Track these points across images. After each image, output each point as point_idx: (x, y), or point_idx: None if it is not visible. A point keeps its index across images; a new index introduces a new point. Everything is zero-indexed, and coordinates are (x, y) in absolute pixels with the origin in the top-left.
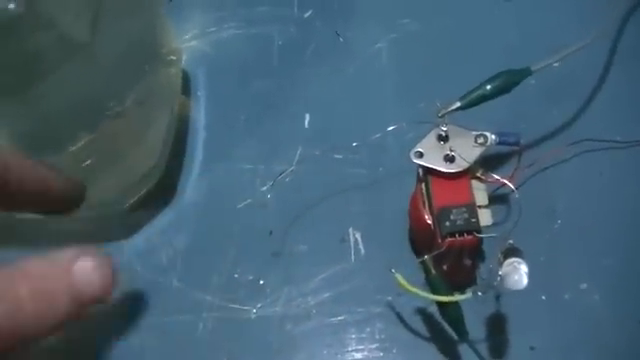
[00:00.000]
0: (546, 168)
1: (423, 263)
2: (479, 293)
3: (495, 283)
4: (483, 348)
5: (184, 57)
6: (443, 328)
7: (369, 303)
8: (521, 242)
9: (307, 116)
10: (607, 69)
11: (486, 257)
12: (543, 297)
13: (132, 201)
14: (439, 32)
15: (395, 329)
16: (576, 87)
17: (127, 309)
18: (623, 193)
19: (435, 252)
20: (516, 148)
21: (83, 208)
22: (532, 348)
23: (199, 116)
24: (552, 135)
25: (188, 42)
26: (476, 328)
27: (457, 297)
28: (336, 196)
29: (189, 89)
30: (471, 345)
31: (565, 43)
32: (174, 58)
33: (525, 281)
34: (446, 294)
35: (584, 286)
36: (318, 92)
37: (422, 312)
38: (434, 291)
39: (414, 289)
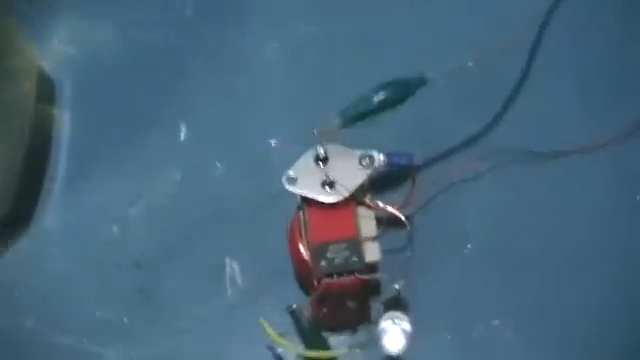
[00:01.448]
0: (455, 184)
1: (292, 313)
2: (357, 350)
3: (371, 341)
4: None
5: (49, 65)
6: None
7: (246, 344)
8: (425, 271)
9: (183, 129)
10: (525, 75)
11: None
12: (449, 337)
13: None
14: (339, 35)
15: None
16: (491, 93)
17: None
18: (542, 210)
19: (312, 297)
20: (409, 170)
21: None
22: None
23: (64, 129)
24: (462, 147)
25: (55, 48)
26: None
27: (331, 354)
28: (213, 222)
29: (53, 99)
30: None
31: (484, 46)
32: (23, 71)
33: (401, 344)
34: (320, 347)
35: (496, 322)
36: (198, 102)
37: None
38: (307, 344)
39: (283, 341)
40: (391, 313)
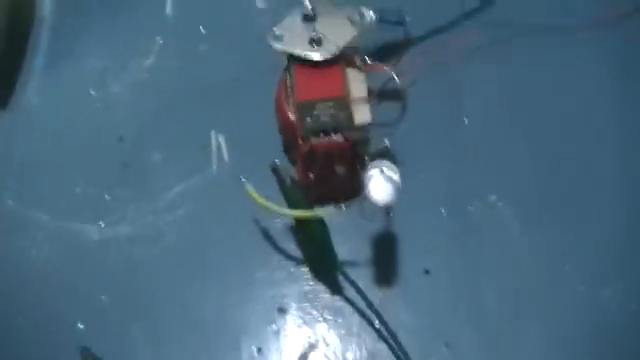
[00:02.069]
0: (452, 56)
1: (275, 170)
2: (342, 207)
3: (362, 194)
4: (367, 274)
5: None
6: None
7: (233, 220)
8: (418, 146)
9: (169, 1)
10: None
11: None
12: (442, 210)
13: None
14: None
15: (262, 252)
16: None
17: None
18: (540, 87)
19: (295, 154)
20: (402, 28)
21: None
22: (427, 272)
23: (46, 6)
24: (460, 17)
25: None
26: (361, 250)
27: (314, 212)
28: (199, 94)
29: None
30: (346, 270)
31: None
32: None
33: (389, 194)
34: (305, 208)
35: (493, 197)
36: None
37: (295, 231)
38: (291, 205)
39: (265, 203)
40: (378, 162)
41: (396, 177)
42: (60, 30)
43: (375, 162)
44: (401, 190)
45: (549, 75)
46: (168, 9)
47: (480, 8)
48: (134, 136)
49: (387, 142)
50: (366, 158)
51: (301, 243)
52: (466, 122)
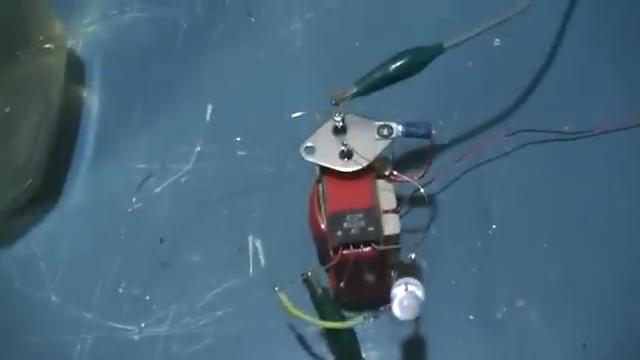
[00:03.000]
0: (480, 163)
1: (306, 281)
2: (370, 319)
3: (382, 308)
4: None
5: (80, 44)
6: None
7: (268, 323)
8: (447, 251)
9: (209, 107)
10: (554, 50)
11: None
12: (471, 317)
13: (9, 205)
14: (360, 9)
15: (297, 354)
16: (519, 70)
17: None
18: (569, 192)
19: (326, 266)
20: (428, 141)
21: None
22: None
23: (92, 108)
24: (489, 125)
25: (86, 27)
26: (389, 354)
27: (344, 324)
28: (236, 199)
29: (83, 78)
30: None
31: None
32: (52, 46)
33: (412, 311)
34: (334, 318)
35: (521, 303)
36: (223, 80)
37: (329, 335)
38: (322, 315)
39: (298, 312)
40: (404, 279)
41: (420, 293)
42: (105, 133)
43: (400, 280)
44: (424, 304)
45: (574, 179)
46: (208, 116)
47: (506, 115)
48: (174, 237)
49: (413, 256)
50: (392, 273)
51: (331, 349)
52: (494, 227)
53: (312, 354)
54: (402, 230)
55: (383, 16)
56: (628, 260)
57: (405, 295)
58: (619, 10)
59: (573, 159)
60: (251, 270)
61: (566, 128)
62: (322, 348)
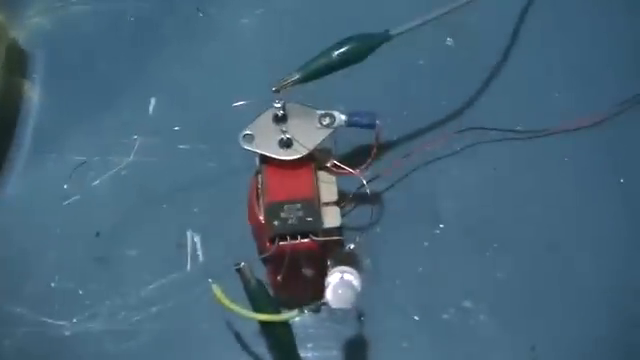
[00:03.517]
0: (431, 160)
1: (239, 271)
2: (305, 311)
3: (323, 299)
4: None
5: (22, 35)
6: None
7: (205, 320)
8: (392, 250)
9: (152, 101)
10: (507, 50)
11: None
12: (416, 317)
13: None
14: (313, 5)
15: (232, 354)
16: (470, 69)
17: None
18: (520, 192)
19: (262, 256)
20: (373, 131)
21: None
22: None
23: (32, 100)
24: (440, 122)
25: (29, 19)
26: (331, 354)
27: (279, 316)
28: (177, 193)
29: (25, 71)
30: None
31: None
32: None
33: (351, 297)
34: (269, 311)
35: (467, 304)
36: (168, 74)
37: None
38: (254, 307)
39: (232, 306)
40: (340, 267)
41: (356, 283)
42: (44, 126)
43: (335, 268)
44: (360, 295)
45: (525, 179)
46: (151, 109)
47: (457, 113)
48: (111, 231)
49: (351, 246)
50: (328, 262)
51: (269, 348)
52: (441, 227)
53: (249, 353)
54: (346, 226)
55: (336, 12)
56: (579, 261)
57: (340, 283)
58: (573, 9)
59: (524, 159)
60: (189, 266)
61: (518, 127)
62: (260, 348)
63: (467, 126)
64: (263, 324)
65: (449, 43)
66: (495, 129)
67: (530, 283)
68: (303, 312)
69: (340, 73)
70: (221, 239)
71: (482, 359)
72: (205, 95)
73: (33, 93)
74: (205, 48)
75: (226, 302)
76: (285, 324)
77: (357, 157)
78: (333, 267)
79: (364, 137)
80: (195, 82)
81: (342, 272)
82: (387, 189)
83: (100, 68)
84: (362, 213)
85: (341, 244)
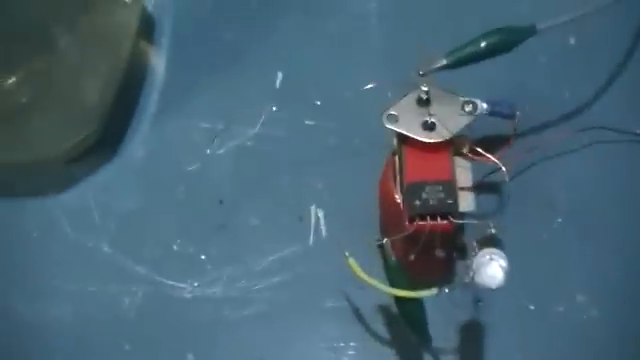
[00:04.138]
0: (550, 156)
1: (381, 247)
2: (446, 290)
3: (467, 279)
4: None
5: (152, 2)
6: (407, 335)
7: (324, 294)
8: (511, 240)
9: (280, 74)
10: (630, 51)
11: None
12: (532, 307)
13: (70, 151)
14: None
15: (350, 328)
16: (593, 67)
17: (44, 271)
18: (635, 191)
19: (400, 235)
20: (511, 122)
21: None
22: None
23: (159, 66)
24: (561, 119)
25: None
26: (447, 336)
27: (418, 293)
28: (301, 168)
29: (152, 36)
30: (436, 355)
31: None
32: (129, 1)
33: (501, 277)
34: (405, 288)
35: (581, 298)
36: (297, 48)
37: (385, 311)
38: (392, 283)
39: (368, 278)
40: (488, 249)
41: (504, 263)
42: (171, 90)
43: (483, 250)
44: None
45: None
46: (278, 83)
47: (577, 112)
48: (234, 200)
49: (493, 229)
50: (474, 244)
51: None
52: (559, 221)
53: (367, 328)
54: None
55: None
56: None
57: (492, 264)
58: None
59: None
60: (311, 240)
61: (638, 131)
62: (378, 324)
63: (585, 124)
64: (397, 300)
65: (572, 42)
66: (614, 130)
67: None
68: (443, 290)
69: None
70: (344, 216)
71: (591, 353)
72: (329, 72)
73: (159, 59)
74: (330, 26)
75: (363, 275)
76: (418, 301)
77: (489, 145)
78: (479, 249)
79: (494, 127)
80: (320, 58)
81: (491, 254)
82: (508, 182)
83: (227, 37)
84: (483, 202)
85: (464, 229)
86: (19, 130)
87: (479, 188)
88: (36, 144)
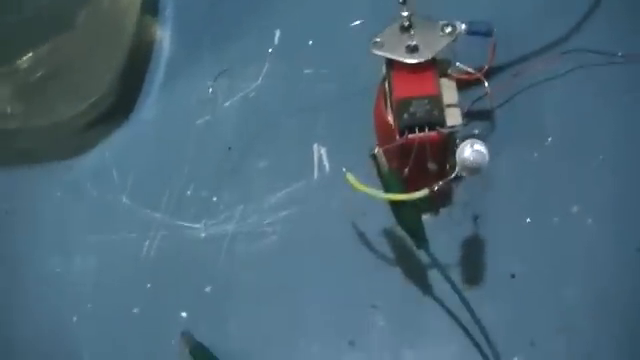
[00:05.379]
0: (536, 81)
1: (374, 157)
2: (435, 188)
3: (454, 173)
4: (456, 274)
5: None
6: (411, 252)
7: (331, 223)
8: (504, 160)
9: (277, 32)
10: None
11: None
12: (528, 220)
13: (86, 117)
14: None
15: (358, 253)
16: None
17: (69, 226)
18: (620, 112)
19: (391, 144)
20: (491, 39)
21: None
22: (513, 276)
23: (165, 36)
24: (545, 44)
25: None
26: (450, 252)
27: (411, 195)
28: (303, 112)
29: (156, 9)
30: (441, 267)
31: None
32: None
33: (484, 154)
34: (399, 192)
35: (575, 209)
36: (292, 6)
37: (388, 234)
38: (387, 189)
39: (365, 188)
40: (469, 140)
41: (485, 150)
42: (176, 58)
43: (465, 141)
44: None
45: (627, 99)
46: (276, 40)
47: (562, 37)
48: (242, 146)
49: (476, 131)
50: (456, 142)
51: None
52: (549, 140)
53: (374, 253)
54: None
55: None
56: None
57: (473, 147)
58: None
59: (624, 83)
60: (316, 174)
61: (619, 52)
62: (384, 247)
63: (571, 47)
64: (393, 207)
65: None
66: (599, 52)
67: (636, 191)
68: (433, 190)
69: None
70: (345, 152)
71: (589, 258)
72: (323, 24)
73: (164, 29)
74: None
75: (360, 185)
76: (413, 205)
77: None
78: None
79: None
80: (314, 13)
81: (472, 143)
82: (497, 107)
83: (226, 4)
84: (472, 128)
85: (456, 141)
86: (37, 99)
87: (468, 115)
88: (53, 110)
